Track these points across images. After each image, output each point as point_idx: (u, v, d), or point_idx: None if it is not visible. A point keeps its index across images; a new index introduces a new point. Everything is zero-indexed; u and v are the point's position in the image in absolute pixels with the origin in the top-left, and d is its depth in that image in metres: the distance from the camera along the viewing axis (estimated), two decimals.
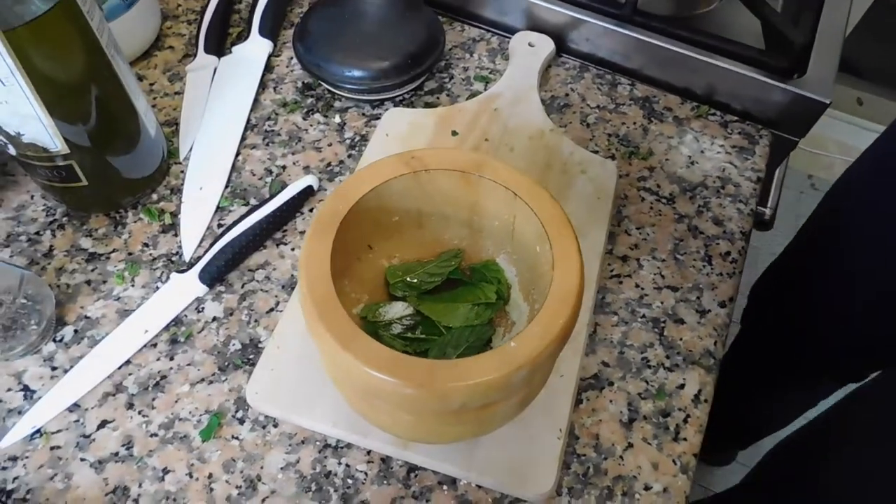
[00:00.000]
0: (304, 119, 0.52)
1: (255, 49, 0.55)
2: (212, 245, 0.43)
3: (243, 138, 0.51)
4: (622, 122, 0.53)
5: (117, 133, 0.43)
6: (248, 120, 0.52)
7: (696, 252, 0.46)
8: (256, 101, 0.53)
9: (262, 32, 0.56)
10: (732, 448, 1.10)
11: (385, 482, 0.37)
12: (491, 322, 0.35)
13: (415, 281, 0.35)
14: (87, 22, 0.37)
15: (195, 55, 0.55)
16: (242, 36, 0.56)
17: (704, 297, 0.44)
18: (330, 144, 0.51)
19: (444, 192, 0.33)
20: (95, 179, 0.43)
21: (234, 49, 0.55)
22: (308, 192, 0.47)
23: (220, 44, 0.56)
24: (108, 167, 0.43)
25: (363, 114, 0.53)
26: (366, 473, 0.37)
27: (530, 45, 0.56)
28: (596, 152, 0.51)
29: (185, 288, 0.42)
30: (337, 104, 0.53)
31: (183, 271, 0.43)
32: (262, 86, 0.54)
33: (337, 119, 0.52)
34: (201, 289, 0.42)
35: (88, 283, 0.43)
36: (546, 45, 0.56)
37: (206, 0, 0.57)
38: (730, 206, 0.49)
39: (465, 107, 0.51)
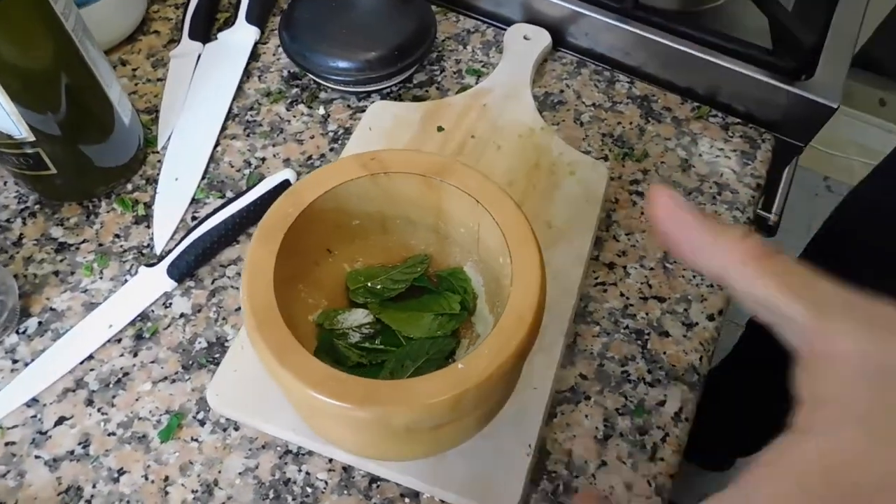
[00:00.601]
0: (288, 110, 0.51)
1: (241, 36, 0.54)
2: (182, 238, 0.42)
3: (224, 128, 0.49)
4: (618, 121, 0.51)
5: (87, 121, 0.42)
6: (231, 109, 0.50)
7: None
8: (240, 89, 0.52)
9: (250, 19, 0.54)
10: (734, 456, 1.08)
11: (345, 492, 0.35)
12: (455, 333, 0.33)
13: (377, 287, 0.33)
14: (51, 5, 0.35)
15: (180, 40, 0.53)
16: (229, 22, 0.55)
17: (692, 309, 0.42)
18: (312, 137, 0.49)
19: (407, 195, 0.31)
20: (65, 168, 0.42)
21: (220, 35, 0.54)
22: (285, 186, 0.45)
23: (206, 30, 0.54)
24: (79, 156, 0.42)
25: (349, 106, 0.51)
26: (326, 482, 0.36)
27: (525, 38, 0.53)
28: (588, 153, 0.49)
29: (152, 282, 0.41)
30: (322, 95, 0.52)
31: (152, 265, 0.42)
32: (247, 74, 0.53)
33: (321, 111, 0.51)
34: (169, 284, 0.41)
35: (56, 273, 0.42)
36: (542, 38, 0.53)
37: None
38: (726, 213, 0.47)
39: (454, 101, 0.49)
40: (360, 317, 0.33)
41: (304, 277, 0.31)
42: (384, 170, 0.30)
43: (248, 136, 0.49)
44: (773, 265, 0.20)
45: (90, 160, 0.43)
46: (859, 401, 0.17)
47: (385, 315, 0.33)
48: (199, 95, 0.51)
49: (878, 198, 0.60)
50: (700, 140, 0.50)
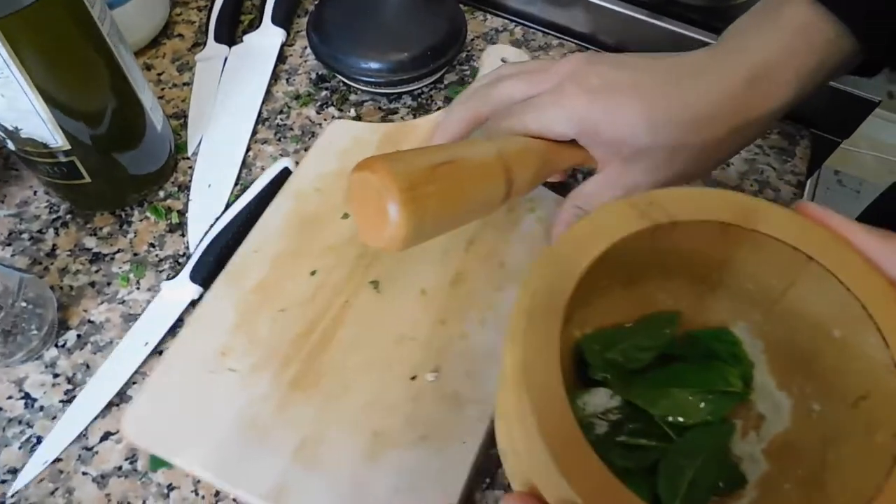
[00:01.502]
0: (318, 113, 0.50)
1: (267, 38, 0.53)
2: (199, 243, 0.41)
3: (254, 132, 0.49)
4: None
5: (121, 128, 0.41)
6: (260, 113, 0.50)
7: None
8: (269, 93, 0.51)
9: (275, 21, 0.53)
10: None
11: None
12: (727, 418, 0.25)
13: (618, 358, 0.25)
14: (87, 9, 0.35)
15: (205, 44, 0.52)
16: (254, 24, 0.54)
17: None
18: None
19: (691, 247, 0.23)
20: (99, 176, 0.41)
21: (246, 38, 0.53)
22: (285, 174, 0.44)
23: (231, 32, 0.53)
24: (113, 163, 0.41)
25: (379, 108, 0.50)
26: None
27: (503, 60, 0.50)
28: None
29: (178, 292, 0.40)
30: (352, 97, 0.51)
31: (172, 278, 0.41)
32: (275, 77, 0.52)
33: (352, 113, 0.50)
34: (195, 290, 0.40)
35: (92, 284, 0.41)
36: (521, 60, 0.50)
37: None
38: None
39: (417, 125, 0.46)
40: (604, 399, 0.25)
41: None
42: (670, 218, 0.22)
43: (279, 140, 0.48)
44: None
45: (124, 168, 0.42)
46: None
47: (635, 395, 0.24)
48: (228, 100, 0.50)
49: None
50: None
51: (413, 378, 0.36)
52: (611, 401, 0.25)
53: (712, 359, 0.25)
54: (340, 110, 0.50)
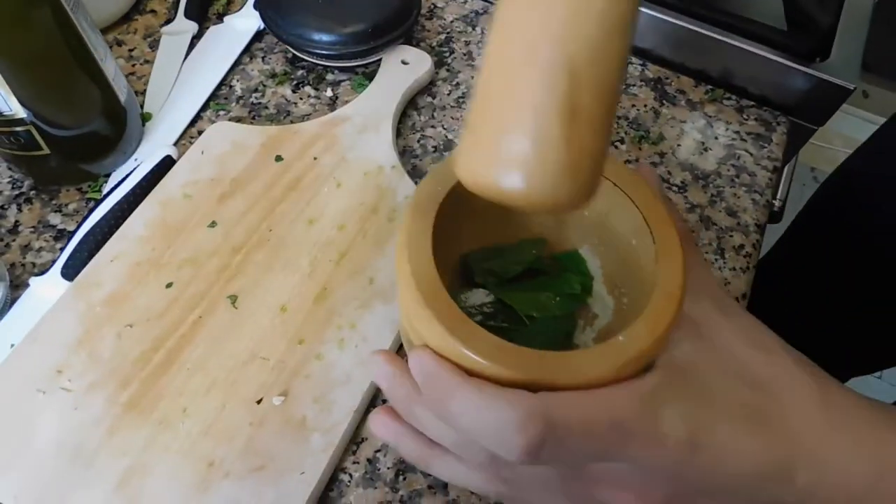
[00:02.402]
0: (294, 91, 0.49)
1: (246, 21, 0.52)
2: (72, 235, 0.39)
3: (228, 111, 0.47)
4: (632, 104, 0.50)
5: (81, 98, 0.39)
6: (234, 91, 0.48)
7: (709, 244, 0.44)
8: (244, 71, 0.50)
9: (257, 5, 0.52)
10: None
11: (372, 486, 0.34)
12: (572, 315, 0.32)
13: (496, 268, 0.32)
14: None
15: (175, 19, 0.51)
16: (232, 2, 0.53)
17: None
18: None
19: None
20: (59, 148, 0.40)
21: (226, 19, 0.52)
22: (167, 164, 0.43)
23: (203, 10, 0.52)
24: (73, 135, 0.40)
25: (357, 87, 0.49)
26: (351, 475, 0.34)
27: (404, 62, 0.49)
28: None
29: (48, 290, 0.38)
30: (329, 77, 0.50)
31: (44, 272, 0.39)
32: (250, 56, 0.51)
33: (329, 92, 0.49)
34: (67, 287, 0.38)
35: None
36: (422, 64, 0.48)
37: None
38: (745, 197, 0.46)
39: (303, 129, 0.45)
40: (481, 297, 0.32)
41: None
42: None
43: (253, 118, 0.47)
44: None
45: (85, 140, 0.41)
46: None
47: (505, 295, 0.31)
48: (193, 74, 0.49)
49: (858, 175, 0.61)
50: (715, 123, 0.50)
51: (259, 402, 0.35)
52: (486, 298, 0.32)
53: (566, 272, 0.33)
54: (317, 89, 0.49)
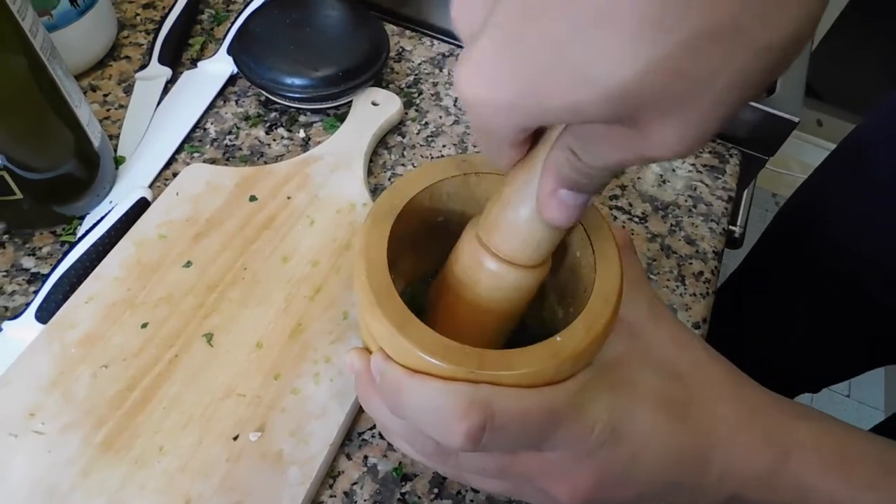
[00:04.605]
0: (267, 133, 0.50)
1: (220, 66, 0.53)
2: (48, 277, 0.39)
3: (202, 153, 0.49)
4: None
5: (55, 143, 0.40)
6: (209, 134, 0.50)
7: (670, 272, 0.46)
8: (218, 114, 0.51)
9: (231, 50, 0.54)
10: None
11: None
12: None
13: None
14: (17, 21, 0.34)
15: (149, 64, 0.52)
16: (205, 48, 0.54)
17: (678, 319, 0.43)
18: None
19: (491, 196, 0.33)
20: (32, 192, 0.40)
21: (200, 64, 0.53)
22: (142, 206, 0.44)
23: (176, 55, 0.54)
24: (46, 179, 0.41)
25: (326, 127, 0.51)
26: None
27: (374, 104, 0.51)
28: None
29: (23, 333, 0.38)
30: (302, 118, 0.51)
31: (17, 316, 0.39)
32: (224, 98, 0.52)
33: (301, 134, 0.50)
34: (41, 331, 0.38)
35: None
36: (392, 105, 0.51)
37: (167, 9, 0.55)
38: (702, 226, 0.48)
39: (276, 169, 0.46)
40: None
41: (393, 267, 0.32)
42: (475, 170, 0.31)
43: (227, 160, 0.48)
44: None
45: (59, 183, 0.41)
46: None
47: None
48: (164, 121, 0.50)
49: (803, 208, 0.65)
50: None
51: (235, 438, 0.35)
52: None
53: None
54: (289, 131, 0.51)
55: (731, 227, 0.60)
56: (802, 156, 1.55)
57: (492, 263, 0.27)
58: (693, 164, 0.52)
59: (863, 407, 1.39)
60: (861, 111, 1.53)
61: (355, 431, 0.37)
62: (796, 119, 0.50)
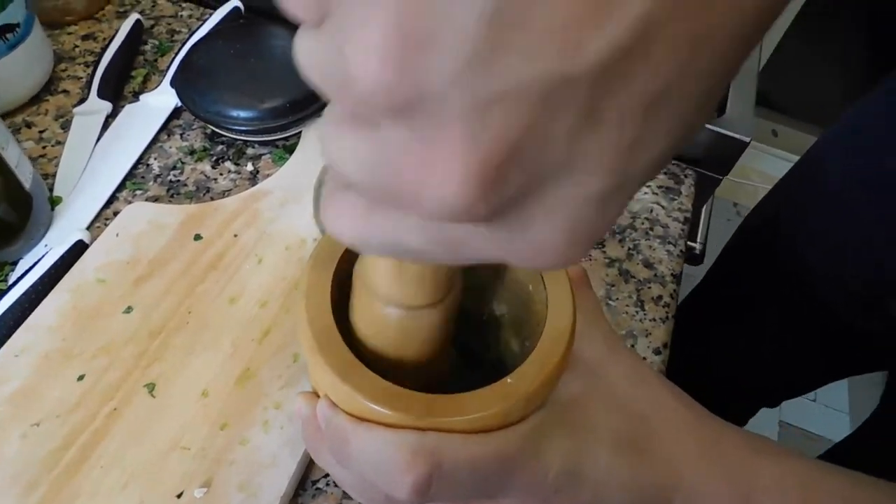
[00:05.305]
0: (213, 168, 0.49)
1: (163, 98, 0.51)
2: None
3: (145, 190, 0.47)
4: None
5: None
6: (152, 170, 0.48)
7: (629, 297, 0.45)
8: (161, 149, 0.49)
9: (174, 83, 0.52)
10: None
11: None
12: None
13: None
14: None
15: (88, 98, 0.50)
16: (148, 82, 0.52)
17: (639, 345, 0.43)
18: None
19: None
20: None
21: (142, 97, 0.51)
22: (80, 249, 0.42)
23: (117, 88, 0.52)
24: None
25: (277, 159, 0.50)
26: None
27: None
28: None
29: None
30: (250, 151, 0.50)
31: None
32: (168, 132, 0.50)
33: (249, 167, 0.49)
34: None
35: None
36: None
37: (107, 41, 0.53)
38: (659, 248, 0.48)
39: (223, 205, 0.44)
40: None
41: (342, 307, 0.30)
42: None
43: (171, 196, 0.47)
44: None
45: None
46: None
47: None
48: (107, 154, 0.48)
49: (765, 224, 0.66)
50: None
51: (179, 495, 0.33)
52: None
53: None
54: (237, 164, 0.49)
55: (690, 243, 0.60)
56: (760, 165, 1.58)
57: (386, 310, 0.25)
58: (649, 187, 0.52)
59: (829, 410, 1.41)
60: (815, 121, 1.57)
61: (309, 480, 0.36)
62: (747, 139, 0.50)
